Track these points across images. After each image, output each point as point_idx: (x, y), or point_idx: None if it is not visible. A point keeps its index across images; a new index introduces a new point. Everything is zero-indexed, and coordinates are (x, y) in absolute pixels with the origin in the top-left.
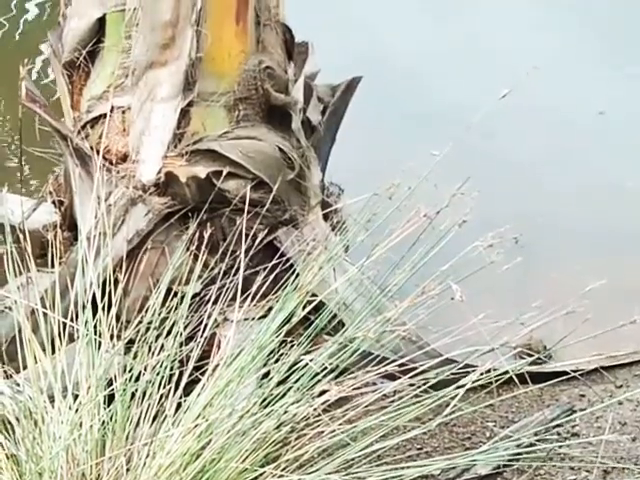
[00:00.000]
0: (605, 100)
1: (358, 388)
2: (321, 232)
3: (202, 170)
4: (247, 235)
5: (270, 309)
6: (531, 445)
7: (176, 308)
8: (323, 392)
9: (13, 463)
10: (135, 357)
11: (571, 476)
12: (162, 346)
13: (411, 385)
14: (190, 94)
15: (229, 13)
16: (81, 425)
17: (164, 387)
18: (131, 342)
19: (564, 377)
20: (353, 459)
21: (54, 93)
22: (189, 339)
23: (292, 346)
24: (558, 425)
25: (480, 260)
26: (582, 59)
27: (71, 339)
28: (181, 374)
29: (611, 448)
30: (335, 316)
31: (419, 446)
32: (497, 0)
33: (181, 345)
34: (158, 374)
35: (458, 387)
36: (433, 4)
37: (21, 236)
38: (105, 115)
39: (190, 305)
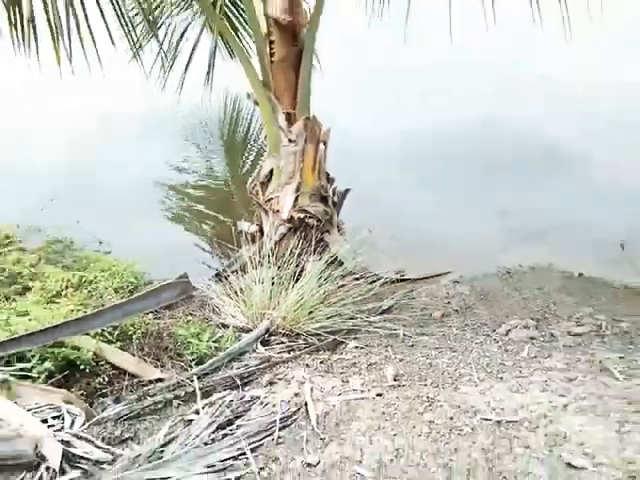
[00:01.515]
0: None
1: (349, 281)
2: (336, 236)
3: (301, 215)
4: (315, 236)
5: (321, 257)
6: (395, 303)
7: (291, 256)
8: (337, 283)
9: (243, 302)
10: (280, 271)
11: (394, 327)
12: (287, 267)
13: (364, 282)
14: (298, 192)
15: (310, 169)
16: (263, 291)
17: (288, 280)
18: (279, 267)
19: (409, 281)
20: (346, 303)
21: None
22: (296, 266)
23: (328, 269)
24: (401, 300)
25: (389, 243)
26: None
27: (261, 264)
28: (294, 277)
29: (413, 313)
30: (341, 261)
31: (365, 303)
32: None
33: (294, 267)
34: (286, 276)
35: (378, 282)
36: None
37: (248, 236)
38: (272, 198)
39: (297, 256)
